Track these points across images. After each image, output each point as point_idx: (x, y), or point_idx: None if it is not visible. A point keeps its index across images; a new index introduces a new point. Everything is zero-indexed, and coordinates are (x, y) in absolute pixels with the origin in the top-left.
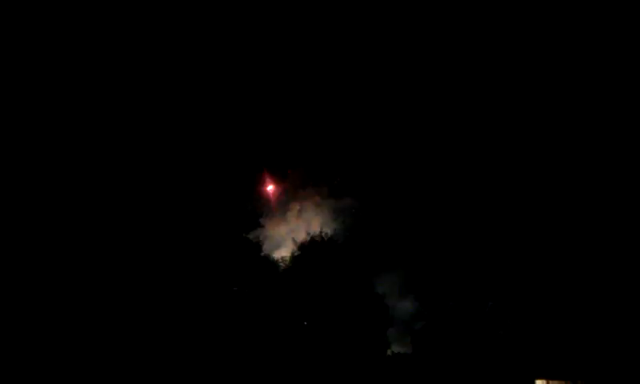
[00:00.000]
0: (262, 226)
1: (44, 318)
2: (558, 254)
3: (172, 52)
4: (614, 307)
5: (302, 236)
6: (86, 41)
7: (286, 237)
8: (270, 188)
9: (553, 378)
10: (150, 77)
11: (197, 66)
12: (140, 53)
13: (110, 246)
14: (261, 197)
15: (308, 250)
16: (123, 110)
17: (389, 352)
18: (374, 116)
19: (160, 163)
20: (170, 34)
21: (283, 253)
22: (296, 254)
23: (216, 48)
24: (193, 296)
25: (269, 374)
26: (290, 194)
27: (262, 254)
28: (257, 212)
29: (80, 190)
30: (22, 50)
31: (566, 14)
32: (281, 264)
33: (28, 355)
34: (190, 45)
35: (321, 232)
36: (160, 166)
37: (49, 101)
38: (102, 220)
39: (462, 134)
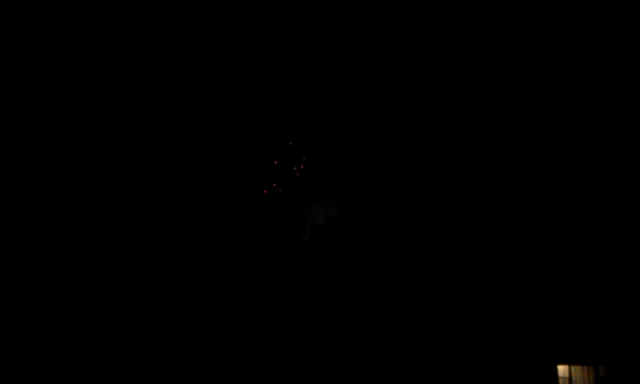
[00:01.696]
0: (274, 209)
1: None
2: (580, 240)
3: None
4: (636, 293)
5: (320, 221)
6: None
7: (305, 221)
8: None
9: (575, 363)
10: (166, 68)
11: (214, 58)
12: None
13: (116, 237)
14: (279, 181)
15: (327, 235)
16: (138, 98)
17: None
18: (380, 110)
19: (171, 152)
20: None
21: (302, 237)
22: (315, 239)
23: (238, 38)
24: (205, 278)
25: (283, 358)
26: (309, 178)
27: (280, 239)
28: (275, 198)
29: (94, 173)
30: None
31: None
32: (300, 248)
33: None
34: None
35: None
36: (171, 155)
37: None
38: (108, 210)
39: (470, 129)
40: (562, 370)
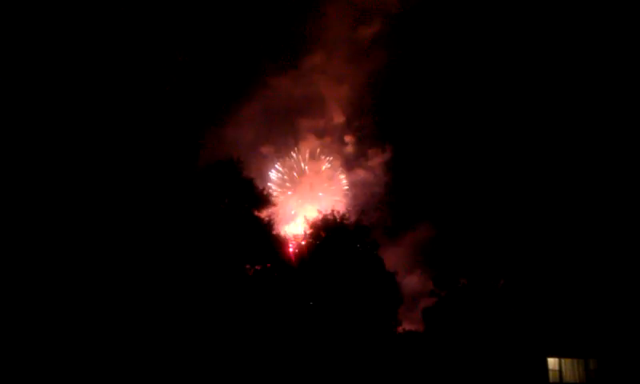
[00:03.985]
0: (275, 205)
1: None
2: (570, 233)
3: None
4: (626, 286)
5: (313, 212)
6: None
7: (298, 212)
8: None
9: (565, 356)
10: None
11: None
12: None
13: (121, 229)
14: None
15: (320, 228)
16: (134, 98)
17: (400, 329)
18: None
19: (169, 145)
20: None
21: (295, 229)
22: (308, 231)
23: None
24: (205, 275)
25: (280, 351)
26: (302, 167)
27: (274, 232)
28: (268, 190)
29: (89, 174)
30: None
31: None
32: (293, 242)
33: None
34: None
35: (333, 210)
36: (169, 148)
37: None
38: (113, 203)
39: (480, 119)
40: (552, 362)
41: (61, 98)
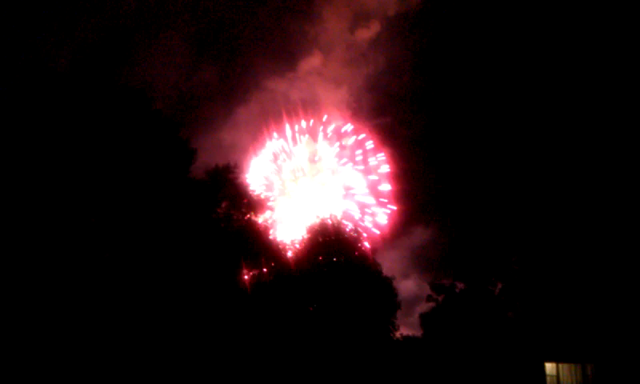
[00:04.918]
0: (272, 209)
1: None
2: (568, 237)
3: None
4: (623, 291)
5: (311, 217)
6: None
7: (295, 216)
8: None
9: (562, 361)
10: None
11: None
12: None
13: (117, 235)
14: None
15: (317, 232)
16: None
17: (398, 335)
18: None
19: (165, 150)
20: None
21: (293, 234)
22: (305, 236)
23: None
24: (201, 280)
25: (277, 357)
26: (299, 173)
27: (271, 236)
28: (265, 194)
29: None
30: None
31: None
32: (290, 247)
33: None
34: None
35: (330, 215)
36: (164, 153)
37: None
38: (110, 209)
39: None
40: (550, 367)
41: (59, 101)
